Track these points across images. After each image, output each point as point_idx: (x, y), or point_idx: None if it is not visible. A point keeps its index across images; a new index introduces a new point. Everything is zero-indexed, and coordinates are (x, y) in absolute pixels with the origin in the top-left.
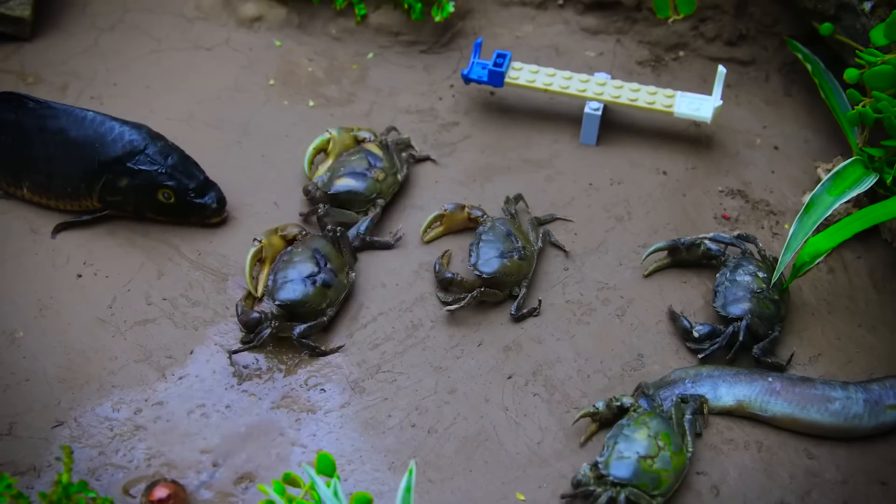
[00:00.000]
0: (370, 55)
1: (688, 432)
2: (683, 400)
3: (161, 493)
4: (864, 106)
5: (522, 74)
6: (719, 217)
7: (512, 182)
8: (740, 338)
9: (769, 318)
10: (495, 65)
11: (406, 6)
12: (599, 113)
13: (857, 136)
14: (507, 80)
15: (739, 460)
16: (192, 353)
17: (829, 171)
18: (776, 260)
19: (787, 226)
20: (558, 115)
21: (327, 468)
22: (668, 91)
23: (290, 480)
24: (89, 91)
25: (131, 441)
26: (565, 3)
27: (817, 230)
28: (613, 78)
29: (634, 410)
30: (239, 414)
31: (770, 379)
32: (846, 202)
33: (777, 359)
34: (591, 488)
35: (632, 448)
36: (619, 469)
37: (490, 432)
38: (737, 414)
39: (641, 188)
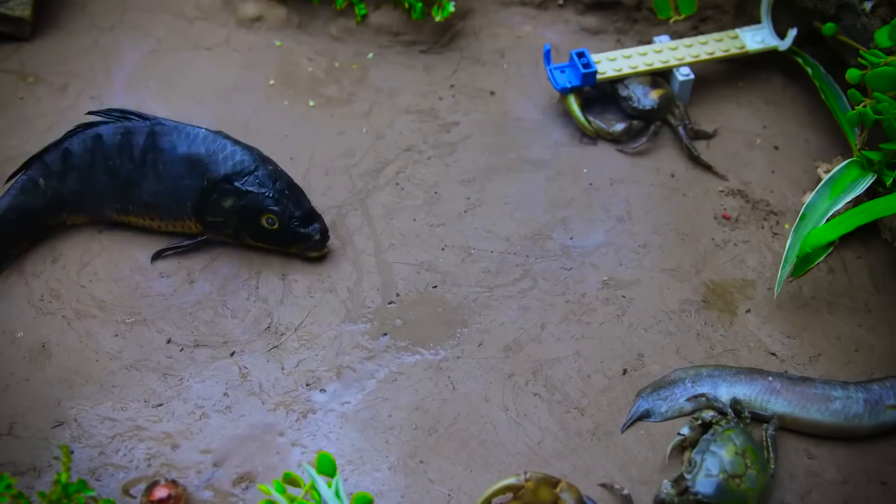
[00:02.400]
0: (370, 55)
1: (771, 448)
2: (737, 410)
3: (161, 493)
4: (864, 107)
5: (606, 66)
6: (719, 217)
7: (512, 182)
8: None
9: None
10: (584, 66)
11: (406, 6)
12: (692, 77)
13: (857, 136)
14: (597, 76)
15: None
16: (192, 353)
17: (829, 171)
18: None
19: (787, 225)
20: (558, 115)
21: (328, 468)
22: (731, 32)
23: (290, 480)
24: (89, 91)
25: (131, 441)
26: (565, 3)
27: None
28: (674, 38)
29: (717, 424)
30: (239, 414)
31: (770, 378)
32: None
33: None
34: None
35: (719, 465)
36: (706, 486)
37: (490, 432)
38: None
39: (642, 188)
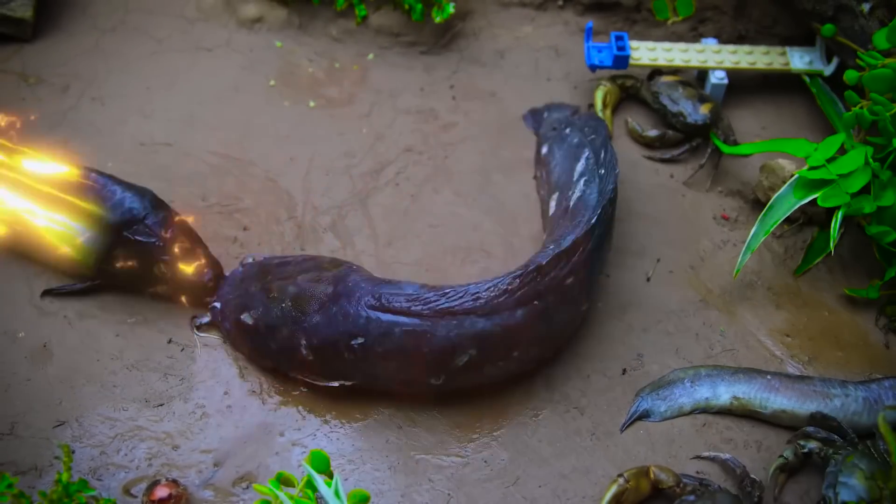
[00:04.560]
0: (370, 56)
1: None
2: (843, 433)
3: (162, 492)
4: (861, 108)
5: (643, 54)
6: (718, 217)
7: (513, 183)
8: None
9: None
10: (619, 48)
11: (406, 7)
12: (726, 82)
13: (855, 138)
14: (630, 61)
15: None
16: (193, 353)
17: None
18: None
19: (786, 227)
20: None
21: (322, 465)
22: (779, 48)
23: (285, 480)
24: (90, 92)
25: (132, 441)
26: (565, 4)
27: None
28: (722, 43)
29: (835, 453)
30: (240, 414)
31: (769, 377)
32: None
33: None
34: None
35: (855, 495)
36: None
37: None
38: (737, 412)
39: (641, 188)
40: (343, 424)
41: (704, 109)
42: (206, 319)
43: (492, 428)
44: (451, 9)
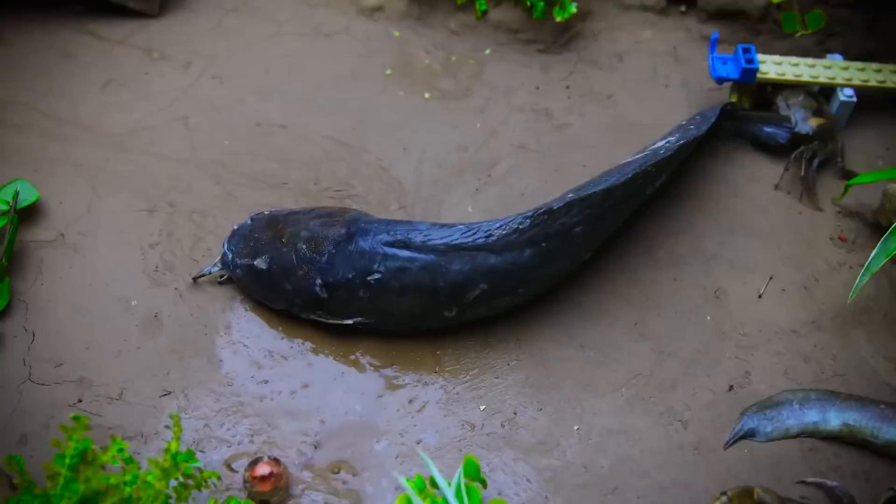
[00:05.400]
0: (487, 51)
1: None
2: None
3: (263, 470)
4: None
5: (770, 68)
6: (835, 238)
7: None
8: None
9: None
10: (747, 61)
11: (528, 4)
12: (854, 99)
13: None
14: (757, 74)
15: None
16: (300, 334)
17: None
18: None
19: None
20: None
21: (474, 472)
22: None
23: (421, 481)
24: (210, 70)
25: (235, 416)
26: (688, 10)
27: None
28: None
29: None
30: (343, 398)
31: (882, 406)
32: None
33: None
34: None
35: None
36: None
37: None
38: (845, 440)
39: (757, 203)
40: (447, 414)
41: (813, 123)
42: (214, 268)
43: (593, 434)
44: (573, 8)
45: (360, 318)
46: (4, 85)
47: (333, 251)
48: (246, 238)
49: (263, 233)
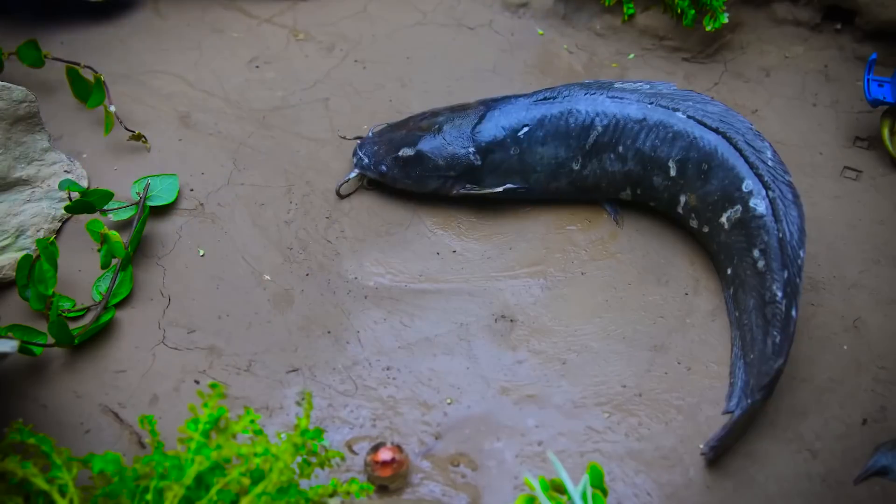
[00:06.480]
0: (631, 56)
1: None
2: None
3: (386, 455)
4: None
5: None
6: None
7: None
8: None
9: None
10: None
11: (678, 11)
12: None
13: None
14: None
15: None
16: (431, 323)
17: None
18: None
19: None
20: (821, 143)
21: (597, 480)
22: None
23: (554, 485)
24: (354, 54)
25: (359, 399)
26: (843, 28)
27: None
28: None
29: None
30: (465, 392)
31: None
32: None
33: None
34: None
35: None
36: None
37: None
38: None
39: None
40: (571, 416)
41: None
42: (352, 174)
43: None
44: (724, 18)
45: (508, 185)
46: (157, 55)
47: (478, 121)
48: (378, 142)
49: (394, 133)
